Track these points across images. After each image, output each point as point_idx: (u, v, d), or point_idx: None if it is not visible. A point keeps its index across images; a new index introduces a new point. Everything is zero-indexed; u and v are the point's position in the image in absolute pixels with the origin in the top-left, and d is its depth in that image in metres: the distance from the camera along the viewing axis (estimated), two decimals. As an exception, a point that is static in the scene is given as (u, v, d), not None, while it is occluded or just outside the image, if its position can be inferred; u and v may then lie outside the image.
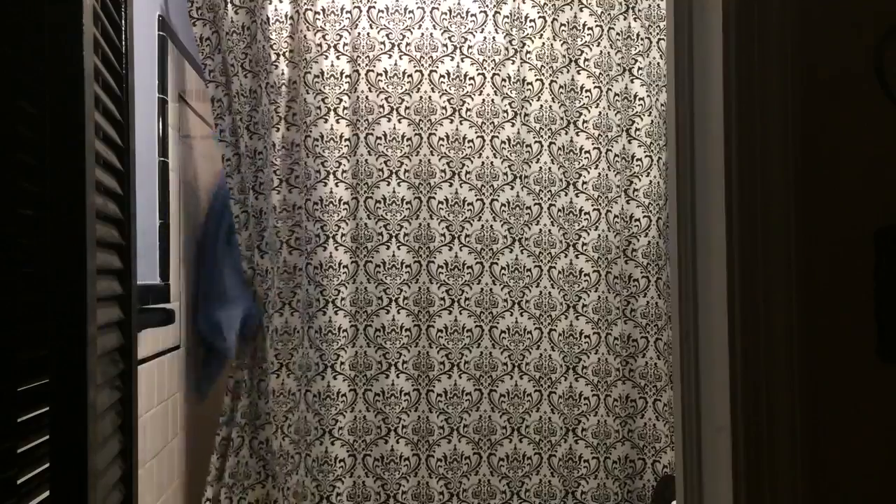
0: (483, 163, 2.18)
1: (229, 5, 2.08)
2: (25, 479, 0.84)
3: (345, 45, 2.12)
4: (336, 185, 2.11)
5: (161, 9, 1.99)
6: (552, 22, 2.22)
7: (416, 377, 2.15)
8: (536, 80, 2.22)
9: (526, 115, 2.21)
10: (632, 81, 2.26)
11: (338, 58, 2.12)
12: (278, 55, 2.09)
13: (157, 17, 1.96)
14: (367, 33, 2.14)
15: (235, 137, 2.12)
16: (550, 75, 2.22)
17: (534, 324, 2.20)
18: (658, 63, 2.26)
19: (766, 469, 0.84)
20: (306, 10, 2.10)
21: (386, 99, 2.15)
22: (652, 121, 2.26)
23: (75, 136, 0.90)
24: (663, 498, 2.03)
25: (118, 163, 1.13)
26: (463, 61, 2.17)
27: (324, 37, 2.11)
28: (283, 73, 2.09)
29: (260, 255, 2.12)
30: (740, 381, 0.85)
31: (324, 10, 2.11)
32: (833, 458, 0.86)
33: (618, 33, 2.25)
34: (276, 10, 2.08)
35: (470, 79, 2.18)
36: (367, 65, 2.14)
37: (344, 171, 2.12)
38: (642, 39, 2.26)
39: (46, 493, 0.87)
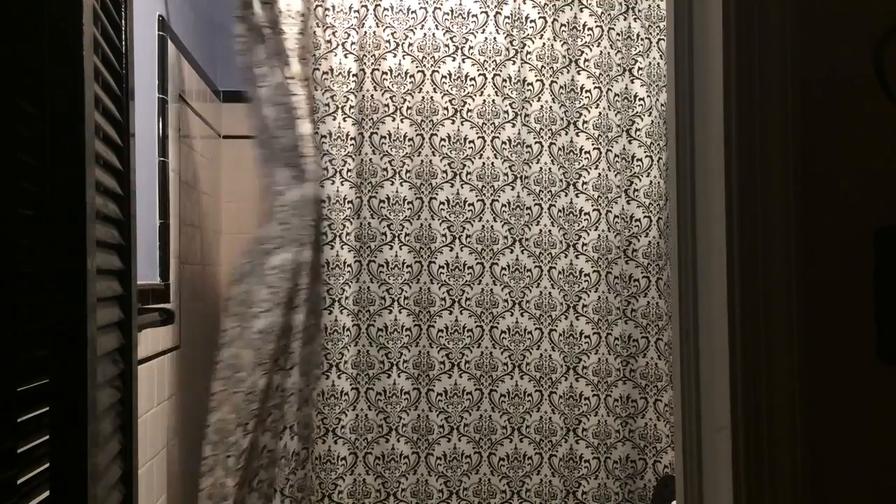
0: (484, 163, 2.18)
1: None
2: (25, 479, 0.84)
3: (352, 43, 2.13)
4: (342, 183, 2.11)
5: (161, 9, 1.99)
6: (552, 22, 2.22)
7: (416, 376, 2.16)
8: (537, 80, 2.22)
9: (526, 115, 2.21)
10: (632, 82, 2.26)
11: (346, 56, 2.12)
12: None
13: (157, 17, 1.96)
14: (374, 32, 2.14)
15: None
16: (551, 76, 2.22)
17: (534, 324, 2.20)
18: (658, 63, 2.26)
19: (766, 469, 0.84)
20: (316, 6, 2.10)
21: (391, 98, 2.15)
22: (652, 121, 2.25)
23: (75, 136, 0.89)
24: (663, 498, 2.03)
25: (118, 163, 1.12)
26: (464, 62, 2.18)
27: (333, 34, 2.12)
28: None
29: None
30: (740, 381, 0.85)
31: (333, 6, 2.12)
32: (833, 459, 0.86)
33: (618, 34, 2.25)
34: (287, 5, 2.07)
35: (471, 79, 2.18)
36: (372, 63, 2.14)
37: (349, 170, 2.12)
38: (642, 40, 2.26)
39: (46, 493, 0.87)
